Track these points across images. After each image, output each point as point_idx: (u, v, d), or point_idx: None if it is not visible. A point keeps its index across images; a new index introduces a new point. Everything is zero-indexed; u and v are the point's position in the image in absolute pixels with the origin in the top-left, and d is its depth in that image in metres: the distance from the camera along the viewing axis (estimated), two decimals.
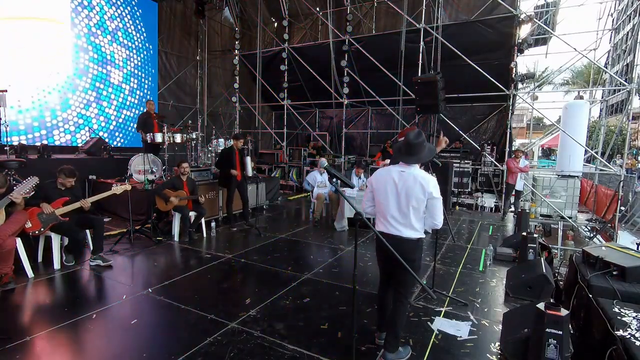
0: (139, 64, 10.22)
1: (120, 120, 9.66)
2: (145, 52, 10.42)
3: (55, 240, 4.16)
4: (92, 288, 3.83)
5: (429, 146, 2.56)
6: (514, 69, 8.21)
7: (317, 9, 10.96)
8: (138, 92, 10.12)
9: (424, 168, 3.70)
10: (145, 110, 7.29)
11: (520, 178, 7.86)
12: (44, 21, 8.02)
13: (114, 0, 9.64)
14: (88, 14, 8.98)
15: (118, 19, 9.73)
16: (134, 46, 10.09)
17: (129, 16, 10.02)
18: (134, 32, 10.14)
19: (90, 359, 2.55)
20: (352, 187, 2.60)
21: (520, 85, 9.19)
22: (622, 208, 7.27)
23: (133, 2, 10.04)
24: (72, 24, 8.58)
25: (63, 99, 8.35)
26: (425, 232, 2.57)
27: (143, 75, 10.33)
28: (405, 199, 2.45)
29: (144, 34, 10.44)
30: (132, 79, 10.02)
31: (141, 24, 10.34)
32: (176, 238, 5.47)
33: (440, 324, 3.10)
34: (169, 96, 11.07)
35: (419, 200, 2.42)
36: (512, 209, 8.17)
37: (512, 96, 8.46)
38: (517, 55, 8.24)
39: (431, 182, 2.43)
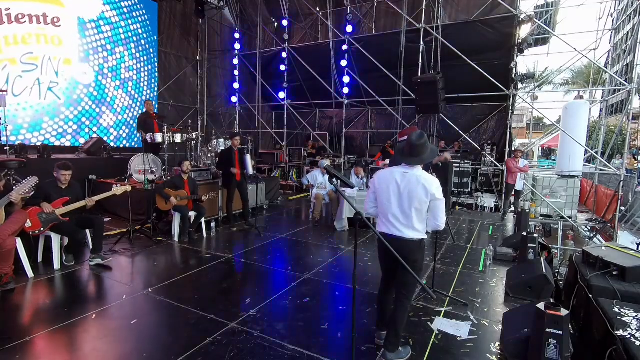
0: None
1: None
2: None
3: (55, 240, 4.16)
4: (92, 288, 3.83)
5: (432, 147, 2.56)
6: (514, 69, 8.21)
7: (317, 9, 10.97)
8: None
9: (424, 168, 3.70)
10: (144, 111, 7.29)
11: (520, 178, 7.86)
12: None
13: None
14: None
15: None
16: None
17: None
18: (145, 87, 10.19)
19: (90, 359, 2.55)
20: (352, 187, 2.61)
21: (520, 85, 9.19)
22: (622, 208, 7.26)
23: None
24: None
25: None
26: (426, 233, 2.58)
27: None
28: (408, 200, 2.46)
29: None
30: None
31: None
32: (176, 238, 5.46)
33: (440, 324, 3.09)
34: (169, 96, 11.07)
35: (422, 202, 2.43)
36: (512, 209, 8.17)
37: (512, 96, 8.46)
38: (517, 55, 8.24)
39: (434, 184, 2.44)
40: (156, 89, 10.66)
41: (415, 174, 2.47)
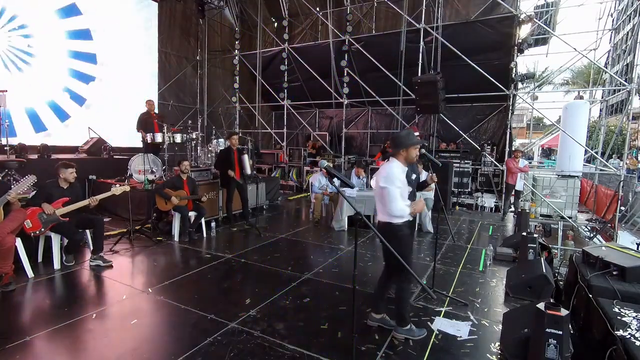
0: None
1: None
2: None
3: (55, 240, 4.16)
4: (92, 288, 3.83)
5: (399, 137, 2.81)
6: (514, 69, 8.21)
7: (317, 9, 10.97)
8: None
9: (425, 167, 3.70)
10: (145, 110, 7.28)
11: (520, 178, 7.86)
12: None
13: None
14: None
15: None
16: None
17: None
18: (145, 87, 10.12)
19: (90, 359, 2.55)
20: (352, 187, 2.62)
21: (520, 85, 9.20)
22: (622, 208, 7.27)
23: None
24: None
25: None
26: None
27: None
28: (375, 189, 2.84)
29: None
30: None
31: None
32: (176, 238, 5.46)
33: (440, 324, 3.09)
34: (169, 96, 11.07)
35: (376, 189, 2.77)
36: (512, 209, 8.17)
37: (512, 96, 8.46)
38: (517, 55, 8.24)
39: (381, 173, 2.73)
40: (156, 89, 10.67)
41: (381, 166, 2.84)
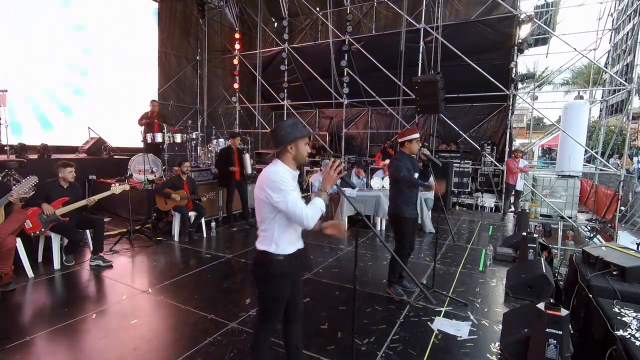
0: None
1: None
2: None
3: (55, 240, 4.16)
4: (92, 288, 3.83)
5: (282, 128, 2.05)
6: (514, 69, 8.21)
7: (317, 9, 10.97)
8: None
9: (425, 166, 3.69)
10: (149, 110, 7.31)
11: (520, 178, 7.86)
12: None
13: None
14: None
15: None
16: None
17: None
18: (145, 87, 10.11)
19: (90, 359, 2.55)
20: (353, 187, 2.59)
21: (520, 85, 9.19)
22: (622, 208, 7.26)
23: None
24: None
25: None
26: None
27: None
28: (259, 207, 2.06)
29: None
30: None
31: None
32: (176, 238, 5.47)
33: (440, 324, 3.09)
34: (169, 96, 11.06)
35: (260, 206, 2.01)
36: (512, 209, 8.17)
37: (512, 96, 8.46)
38: (517, 55, 8.24)
39: (262, 182, 1.90)
40: (156, 88, 10.66)
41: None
